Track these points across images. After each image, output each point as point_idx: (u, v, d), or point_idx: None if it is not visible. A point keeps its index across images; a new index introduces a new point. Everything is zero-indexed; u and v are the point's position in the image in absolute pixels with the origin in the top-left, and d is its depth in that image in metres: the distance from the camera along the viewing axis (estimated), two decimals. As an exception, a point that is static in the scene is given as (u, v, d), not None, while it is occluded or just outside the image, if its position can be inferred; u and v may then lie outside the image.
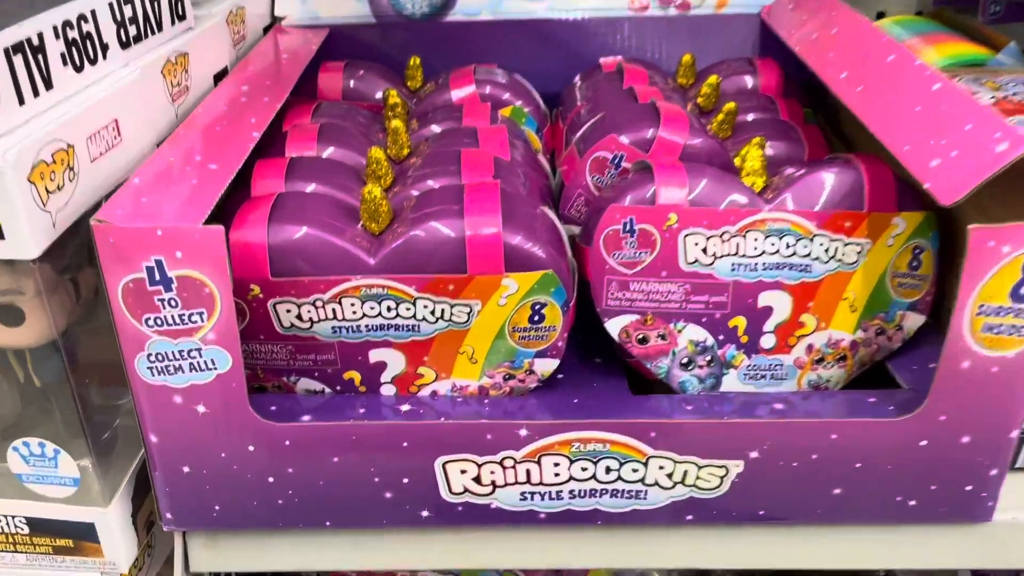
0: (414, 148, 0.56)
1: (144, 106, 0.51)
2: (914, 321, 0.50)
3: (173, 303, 0.40)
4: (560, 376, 0.50)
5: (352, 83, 0.67)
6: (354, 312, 0.45)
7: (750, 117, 0.63)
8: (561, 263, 0.45)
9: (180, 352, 0.42)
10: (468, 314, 0.45)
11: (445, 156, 0.51)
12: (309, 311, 0.45)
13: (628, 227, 0.47)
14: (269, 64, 0.63)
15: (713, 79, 0.64)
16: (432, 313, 0.45)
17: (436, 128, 0.59)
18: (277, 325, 0.45)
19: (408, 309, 0.45)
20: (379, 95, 0.66)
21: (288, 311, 0.45)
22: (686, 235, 0.47)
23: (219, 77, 0.62)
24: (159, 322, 0.41)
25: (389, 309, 0.45)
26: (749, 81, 0.68)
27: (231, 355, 0.42)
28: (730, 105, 0.59)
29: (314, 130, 0.54)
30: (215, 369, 0.42)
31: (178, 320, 0.41)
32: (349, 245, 0.44)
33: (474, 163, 0.50)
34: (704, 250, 0.48)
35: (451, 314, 0.45)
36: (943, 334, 0.42)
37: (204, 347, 0.42)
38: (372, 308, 0.45)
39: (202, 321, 0.41)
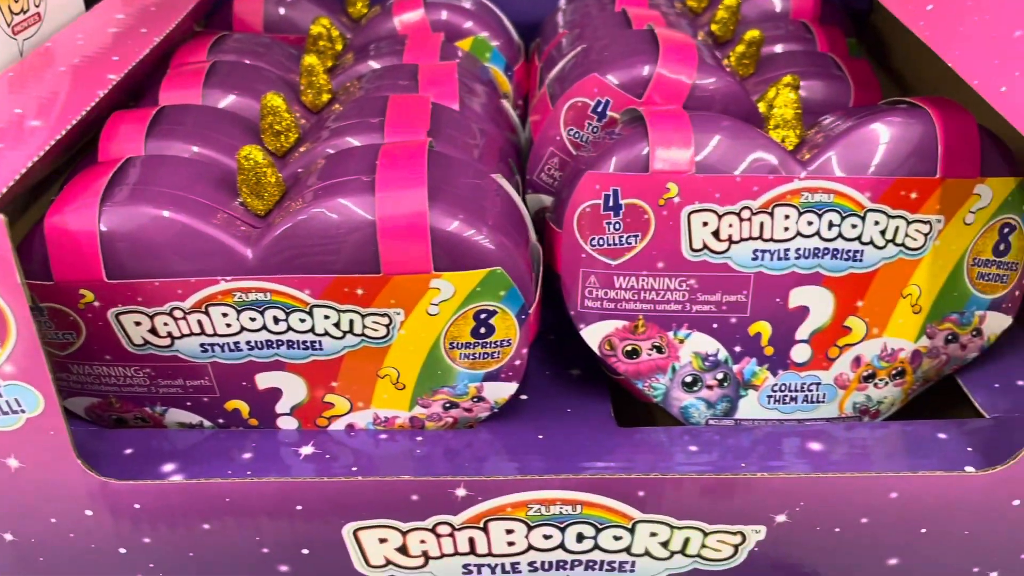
0: (340, 92, 0.43)
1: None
2: (997, 323, 0.38)
3: (-53, 324, 0.28)
4: (524, 397, 0.38)
5: (279, 10, 0.54)
6: (228, 325, 0.33)
7: (778, 48, 0.50)
8: (517, 255, 0.33)
9: (-30, 389, 0.29)
10: (387, 326, 0.33)
11: (369, 104, 0.38)
12: (166, 324, 0.32)
13: (611, 202, 0.35)
14: (165, -15, 0.50)
15: (731, 0, 0.50)
16: (336, 326, 0.33)
17: (375, 66, 0.46)
18: (125, 342, 0.33)
19: (303, 321, 0.32)
20: (312, 26, 0.53)
21: (137, 324, 0.32)
22: (691, 212, 0.34)
23: (95, 2, 0.48)
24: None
25: (276, 321, 0.32)
26: (777, 3, 0.54)
27: (40, 393, 0.30)
28: (753, 33, 0.46)
29: (201, 70, 0.41)
30: (21, 412, 0.30)
31: (-41, 347, 0.29)
32: (218, 232, 0.32)
33: (404, 113, 0.37)
34: (715, 232, 0.35)
35: (363, 327, 0.33)
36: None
37: (2, 383, 0.29)
38: (253, 320, 0.32)
39: (-9, 349, 0.29)
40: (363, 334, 0.33)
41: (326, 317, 0.32)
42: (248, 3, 0.53)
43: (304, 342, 0.33)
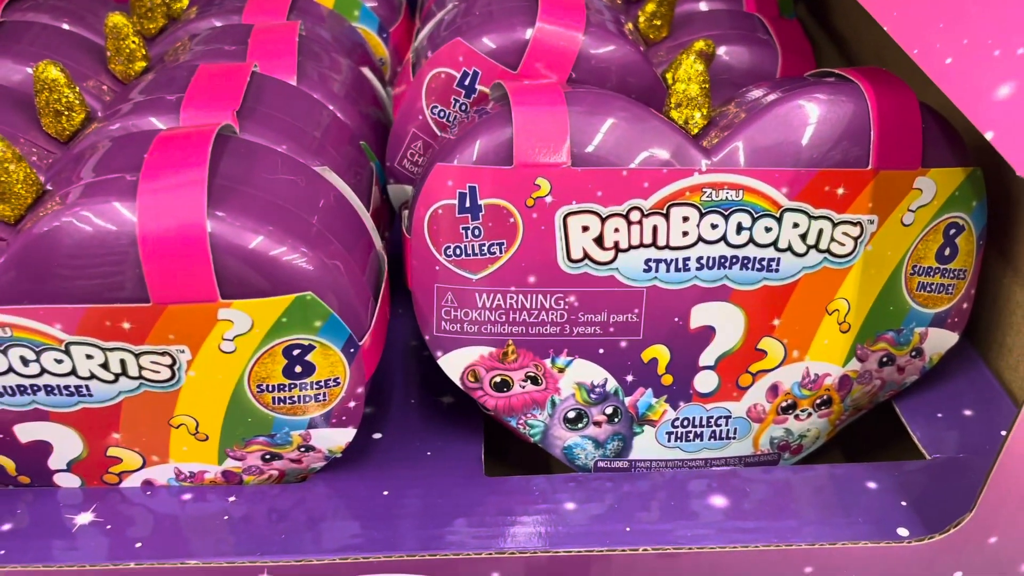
0: (165, 57, 0.35)
1: None
2: (941, 342, 0.32)
3: None
4: (377, 436, 0.31)
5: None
6: (-38, 368, 0.25)
7: (701, 7, 0.43)
8: (342, 272, 0.26)
9: None
10: (170, 367, 0.26)
11: (175, 76, 0.31)
12: None
13: (468, 202, 0.28)
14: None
15: (645, -50, 0.43)
16: (104, 367, 0.25)
17: (217, 24, 0.38)
18: None
19: (59, 362, 0.25)
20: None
21: None
22: (567, 214, 0.28)
23: None
24: None
25: (25, 362, 0.25)
26: (701, -45, 0.47)
27: None
28: (664, -11, 0.38)
29: (-25, 32, 0.33)
30: None
31: None
32: (-60, 249, 0.24)
33: (209, 87, 0.29)
34: (599, 239, 0.28)
35: (139, 368, 0.25)
36: (989, 363, 0.23)
37: None
38: (-7, 361, 0.25)
39: None
40: (140, 376, 0.26)
41: (88, 357, 0.25)
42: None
43: (67, 387, 0.26)
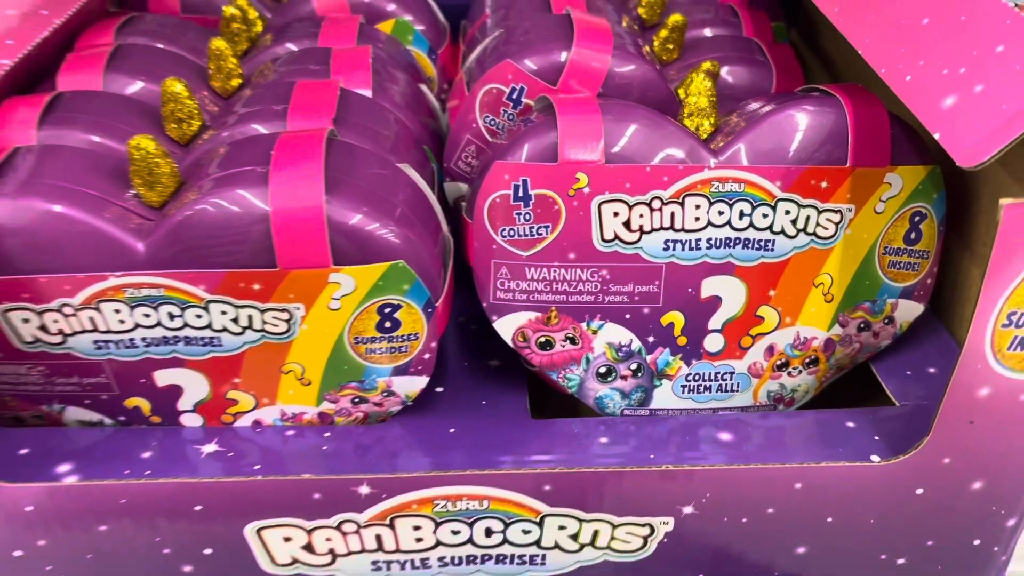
0: (254, 77, 0.42)
1: None
2: (909, 312, 0.38)
3: None
4: (439, 390, 0.37)
5: (197, -11, 0.52)
6: (122, 322, 0.31)
7: (707, 32, 0.49)
8: (422, 247, 0.32)
9: None
10: (287, 322, 0.32)
11: (275, 90, 0.37)
12: (56, 321, 0.31)
13: (521, 192, 0.34)
14: (75, -36, 0.48)
15: (658, -17, 0.49)
16: (235, 322, 0.32)
17: (293, 48, 0.45)
18: (15, 339, 0.32)
19: (199, 317, 0.32)
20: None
21: (26, 321, 0.31)
22: (601, 202, 0.34)
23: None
24: None
25: (172, 317, 0.31)
26: (706, -14, 0.54)
27: (-81, 396, 0.28)
28: (675, 18, 0.45)
29: (103, 54, 0.40)
30: (-100, 416, 0.29)
31: None
32: (108, 226, 0.30)
33: (309, 100, 0.36)
34: (626, 223, 0.34)
35: (262, 322, 0.32)
36: (950, 329, 0.30)
37: None
38: (147, 316, 0.31)
39: None
40: (263, 330, 0.32)
41: (223, 313, 0.31)
42: (164, -18, 0.51)
43: (202, 338, 0.32)
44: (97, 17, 0.47)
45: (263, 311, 0.31)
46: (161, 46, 0.44)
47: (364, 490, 0.32)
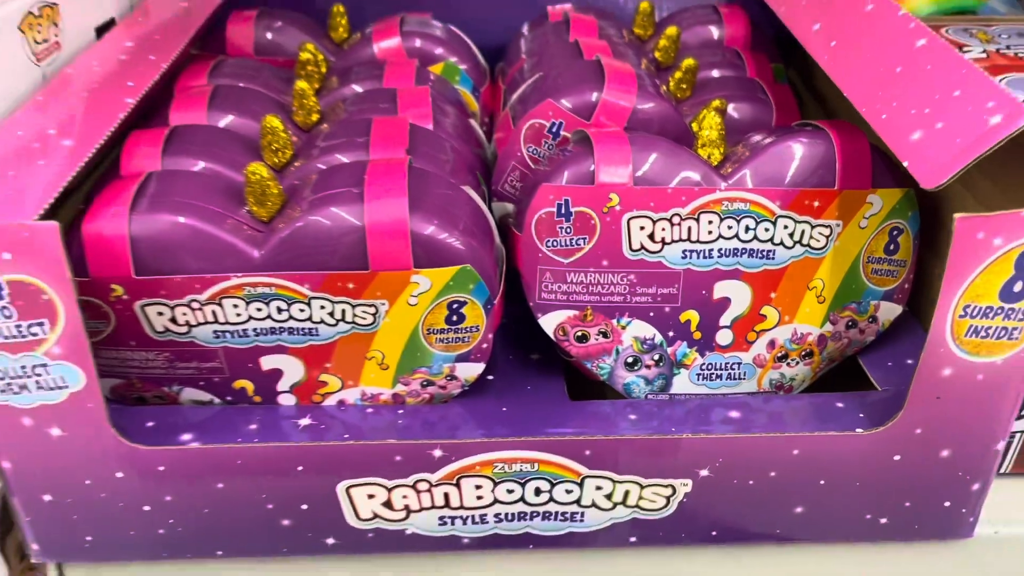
0: (328, 112, 0.49)
1: (-4, 68, 0.43)
2: (889, 312, 0.45)
3: (7, 313, 0.34)
4: (490, 377, 0.44)
5: (267, 35, 0.59)
6: (238, 315, 0.38)
7: (715, 73, 0.56)
8: (483, 254, 0.39)
9: (23, 368, 0.35)
10: (374, 315, 0.39)
11: (354, 125, 0.44)
12: (184, 314, 0.38)
13: (563, 210, 0.41)
14: (166, 14, 0.55)
15: (672, 30, 0.57)
16: (331, 315, 0.39)
17: (358, 89, 0.52)
18: (148, 330, 0.39)
19: (302, 311, 0.38)
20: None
21: (160, 314, 0.38)
22: (630, 218, 0.41)
23: (105, 31, 0.54)
24: (-5, 334, 0.34)
25: (279, 311, 0.38)
26: (714, 32, 0.61)
27: (83, 371, 0.35)
28: (688, 61, 0.52)
29: (205, 94, 0.47)
30: (66, 387, 0.36)
31: (15, 332, 0.34)
32: (229, 236, 0.37)
33: (385, 133, 0.43)
34: (651, 235, 0.41)
35: (353, 315, 0.39)
36: (925, 327, 0.36)
37: (50, 363, 0.35)
38: (259, 310, 0.38)
39: (43, 333, 0.34)
40: (353, 322, 0.39)
41: (322, 307, 0.38)
42: (240, 29, 0.59)
43: (303, 329, 0.39)
44: (184, 59, 0.55)
45: (355, 306, 0.38)
46: (242, 85, 0.51)
47: (437, 453, 0.38)
